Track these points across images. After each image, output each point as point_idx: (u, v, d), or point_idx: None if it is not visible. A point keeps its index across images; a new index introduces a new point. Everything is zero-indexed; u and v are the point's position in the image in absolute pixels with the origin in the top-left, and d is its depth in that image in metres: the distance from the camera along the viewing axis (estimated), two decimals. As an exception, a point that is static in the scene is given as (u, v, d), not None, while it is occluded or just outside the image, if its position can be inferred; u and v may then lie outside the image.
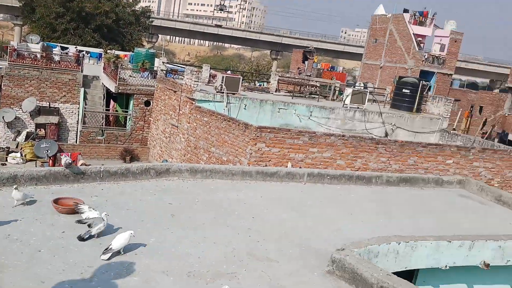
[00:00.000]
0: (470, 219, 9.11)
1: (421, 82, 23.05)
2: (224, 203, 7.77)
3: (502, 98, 39.43)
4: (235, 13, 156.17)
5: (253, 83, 31.11)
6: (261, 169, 9.53)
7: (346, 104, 20.03)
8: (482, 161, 16.02)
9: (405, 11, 41.80)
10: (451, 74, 41.41)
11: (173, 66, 28.11)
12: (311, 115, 18.80)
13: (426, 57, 39.71)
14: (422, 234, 7.21)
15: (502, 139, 36.27)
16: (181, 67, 27.57)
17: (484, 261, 6.99)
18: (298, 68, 39.48)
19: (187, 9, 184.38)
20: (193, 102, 17.77)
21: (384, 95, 25.44)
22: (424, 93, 23.07)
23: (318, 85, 25.60)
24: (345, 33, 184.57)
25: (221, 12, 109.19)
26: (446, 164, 15.49)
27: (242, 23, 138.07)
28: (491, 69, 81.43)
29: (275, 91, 23.31)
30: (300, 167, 13.21)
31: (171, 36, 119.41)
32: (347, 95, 20.40)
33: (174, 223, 6.61)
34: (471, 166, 15.84)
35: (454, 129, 35.42)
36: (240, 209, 7.62)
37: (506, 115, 38.10)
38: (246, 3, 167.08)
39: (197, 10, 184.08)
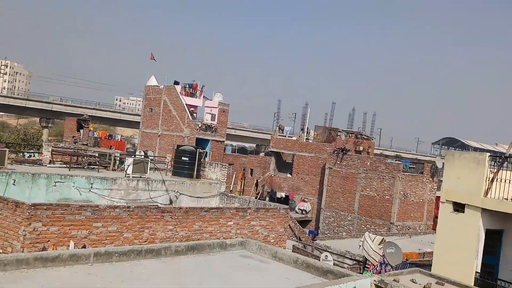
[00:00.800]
0: (254, 278, 9.78)
1: (198, 149, 24.42)
2: (-4, 301, 6.67)
3: (267, 161, 44.52)
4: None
5: (21, 155, 28.15)
6: (40, 254, 8.55)
7: (128, 174, 19.80)
8: (258, 220, 17.55)
9: (176, 83, 44.45)
10: (223, 141, 45.07)
11: None
12: (92, 187, 17.94)
13: (199, 125, 42.50)
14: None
15: (272, 197, 40.68)
16: None
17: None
18: (74, 137, 37.63)
19: None
20: None
21: (165, 163, 26.02)
22: (202, 159, 24.46)
23: (97, 154, 24.76)
24: (120, 101, 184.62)
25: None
26: (228, 226, 16.45)
27: (4, 89, 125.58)
28: (256, 135, 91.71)
29: (49, 163, 21.65)
30: (84, 245, 12.31)
31: None
32: (129, 165, 20.23)
33: None
34: (249, 225, 17.18)
35: (231, 192, 38.18)
36: (17, 305, 6.64)
37: (272, 175, 43.00)
38: (7, 67, 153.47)
39: None
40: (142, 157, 25.06)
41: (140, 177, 19.98)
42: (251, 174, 44.68)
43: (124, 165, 21.37)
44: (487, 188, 13.60)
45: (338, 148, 37.30)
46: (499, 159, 14.10)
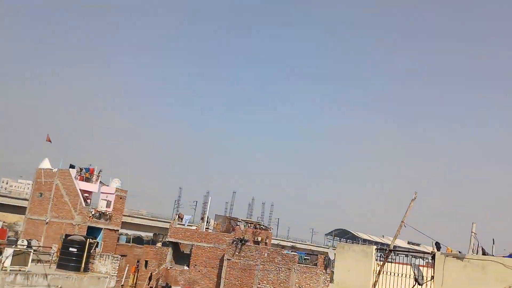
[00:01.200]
0: None
1: (88, 240, 23.00)
2: None
3: (164, 252, 42.82)
4: None
5: None
6: None
7: (6, 267, 17.97)
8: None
9: (72, 166, 42.49)
10: (117, 230, 42.92)
11: None
12: (-42, 283, 15.87)
13: (93, 213, 40.33)
14: None
15: (166, 292, 38.62)
16: None
17: None
18: None
19: None
20: None
21: (50, 254, 24.05)
22: (92, 251, 22.98)
23: (-29, 245, 22.25)
24: (7, 183, 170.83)
25: None
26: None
27: None
28: (154, 223, 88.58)
29: None
30: None
31: None
32: (8, 256, 18.46)
33: None
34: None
35: (122, 286, 35.78)
36: None
37: (168, 268, 41.23)
38: None
39: None
40: (25, 247, 22.96)
41: (20, 270, 18.17)
42: (146, 267, 42.44)
43: (2, 257, 19.39)
44: (375, 280, 14.18)
45: (237, 239, 37.18)
46: (385, 252, 14.93)
